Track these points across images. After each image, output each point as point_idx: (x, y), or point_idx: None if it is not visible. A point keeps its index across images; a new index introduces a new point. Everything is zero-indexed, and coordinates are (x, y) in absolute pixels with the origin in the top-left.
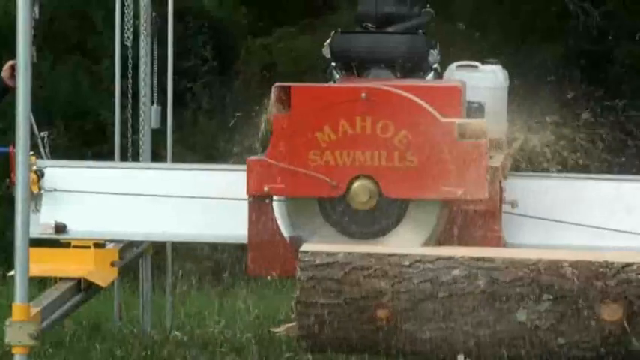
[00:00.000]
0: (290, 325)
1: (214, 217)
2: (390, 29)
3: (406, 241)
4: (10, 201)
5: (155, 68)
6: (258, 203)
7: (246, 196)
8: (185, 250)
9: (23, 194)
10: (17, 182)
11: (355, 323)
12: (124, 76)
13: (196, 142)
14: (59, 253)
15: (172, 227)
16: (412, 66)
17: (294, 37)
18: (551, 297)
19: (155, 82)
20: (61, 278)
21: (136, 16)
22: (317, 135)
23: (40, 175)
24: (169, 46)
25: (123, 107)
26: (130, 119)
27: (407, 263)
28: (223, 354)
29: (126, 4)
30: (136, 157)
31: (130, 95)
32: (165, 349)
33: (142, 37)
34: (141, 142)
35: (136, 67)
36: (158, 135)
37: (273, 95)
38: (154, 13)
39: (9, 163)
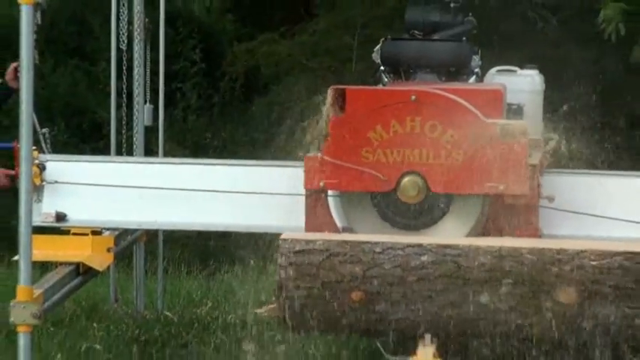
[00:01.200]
0: (271, 306)
1: (200, 207)
2: (435, 36)
3: (450, 233)
4: (14, 192)
5: (148, 70)
6: (315, 196)
7: (305, 190)
8: (175, 238)
9: (26, 186)
10: (21, 175)
11: (331, 305)
12: (119, 77)
13: (186, 138)
14: (59, 239)
15: (163, 216)
16: (456, 70)
17: (276, 42)
18: (511, 281)
19: (148, 82)
20: (61, 263)
21: (130, 22)
22: (369, 134)
23: (41, 168)
24: (161, 50)
25: (118, 106)
26: (125, 117)
27: (379, 250)
28: (210, 333)
29: (121, 11)
30: (130, 152)
31: (124, 95)
32: (157, 328)
33: (135, 42)
34: (135, 139)
35: (130, 69)
36: (150, 132)
37: (329, 97)
38: (146, 20)
39: (13, 158)
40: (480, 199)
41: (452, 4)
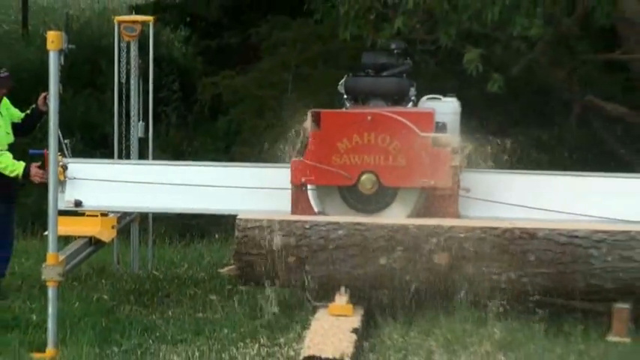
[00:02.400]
0: (230, 267)
1: (180, 196)
2: (383, 74)
3: (396, 215)
4: (45, 185)
5: (141, 97)
6: (298, 189)
7: (291, 182)
8: (160, 218)
9: (53, 181)
10: (49, 173)
11: (273, 266)
12: (120, 102)
13: (168, 146)
14: (77, 220)
15: (152, 203)
16: (398, 98)
17: (233, 77)
18: (402, 248)
19: (141, 106)
20: (78, 236)
21: (128, 63)
22: (338, 144)
23: (64, 168)
24: (150, 83)
25: (119, 124)
26: (124, 131)
27: (307, 227)
28: (186, 286)
29: (122, 55)
30: (128, 157)
31: (124, 115)
32: (148, 283)
33: (132, 77)
34: (131, 147)
35: (128, 96)
36: (143, 142)
37: (308, 117)
38: (140, 61)
39: (44, 161)
40: (417, 191)
41: (395, 51)
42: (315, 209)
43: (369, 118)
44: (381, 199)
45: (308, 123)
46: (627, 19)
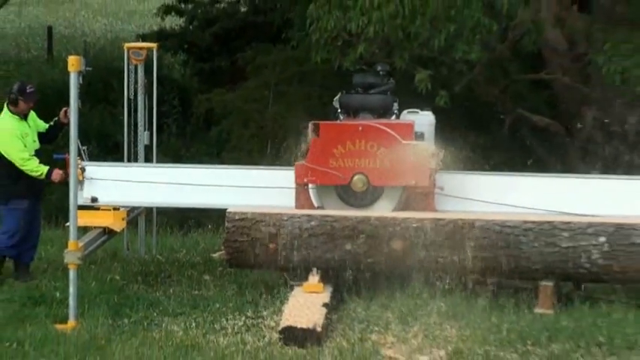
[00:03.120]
0: (221, 252)
1: (179, 193)
2: (371, 92)
3: (383, 210)
4: (66, 184)
5: (146, 111)
6: (301, 188)
7: (295, 182)
8: (163, 211)
9: (73, 180)
10: (70, 174)
11: (256, 251)
12: (129, 115)
13: (169, 151)
14: (93, 213)
15: (156, 199)
16: (384, 112)
17: (223, 94)
18: (364, 236)
19: (146, 118)
20: (94, 227)
21: (136, 82)
22: (334, 150)
23: (82, 170)
24: (154, 99)
25: (128, 133)
26: (133, 139)
27: (285, 218)
28: (184, 269)
29: (130, 75)
30: (135, 160)
31: (132, 126)
32: (152, 265)
33: (139, 94)
34: (138, 152)
35: (135, 110)
36: (148, 148)
37: (310, 128)
38: (145, 81)
39: (65, 164)
40: (400, 189)
41: (380, 72)
42: (315, 204)
43: (360, 128)
44: (371, 196)
45: (309, 132)
46: (550, 46)
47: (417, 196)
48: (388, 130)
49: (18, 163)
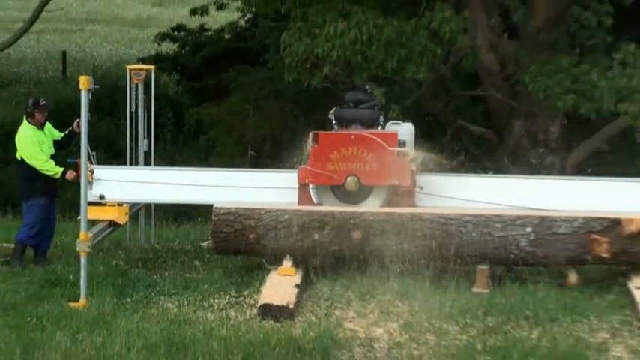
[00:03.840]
0: (208, 241)
1: (174, 191)
2: (361, 107)
3: (372, 206)
4: (77, 184)
5: (145, 122)
6: (303, 188)
7: (297, 184)
8: (159, 207)
9: (84, 181)
10: (81, 175)
11: (238, 241)
12: (131, 126)
13: (165, 157)
14: (101, 208)
15: (154, 196)
16: (371, 123)
17: (210, 108)
18: (329, 227)
19: (145, 129)
20: (101, 220)
21: (137, 98)
22: (331, 155)
23: (92, 172)
24: (152, 112)
25: (130, 141)
26: (134, 146)
27: (263, 212)
28: (178, 255)
29: (132, 94)
30: (136, 164)
31: (134, 135)
32: (151, 253)
33: (139, 108)
34: (139, 157)
35: (136, 122)
36: (147, 154)
37: (310, 137)
38: (144, 97)
39: (77, 167)
40: (386, 188)
41: (369, 91)
42: (315, 201)
43: (352, 137)
44: (361, 194)
45: (310, 141)
46: (485, 67)
47: (400, 194)
48: (376, 138)
49: (38, 165)
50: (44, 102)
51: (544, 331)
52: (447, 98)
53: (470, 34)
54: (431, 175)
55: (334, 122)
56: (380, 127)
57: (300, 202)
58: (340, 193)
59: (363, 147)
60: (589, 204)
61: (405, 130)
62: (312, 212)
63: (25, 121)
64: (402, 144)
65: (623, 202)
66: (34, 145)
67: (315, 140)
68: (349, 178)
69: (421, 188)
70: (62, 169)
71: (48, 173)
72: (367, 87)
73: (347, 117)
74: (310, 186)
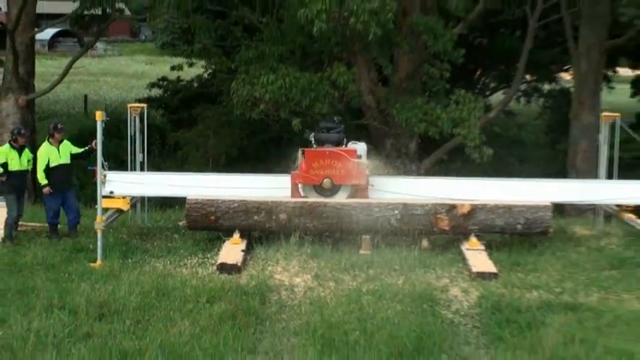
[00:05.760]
0: (184, 222)
1: (160, 189)
2: (331, 132)
3: (340, 198)
4: (95, 183)
5: (140, 142)
6: (295, 186)
7: (291, 183)
8: (151, 199)
9: (99, 181)
10: (97, 178)
11: (204, 221)
12: (131, 145)
13: (154, 166)
14: (111, 200)
15: (147, 192)
16: (338, 143)
17: (185, 133)
18: (264, 211)
19: (141, 147)
20: (111, 208)
21: (134, 126)
22: (313, 164)
23: (104, 176)
24: (145, 135)
25: (131, 154)
26: (133, 159)
27: (220, 202)
28: (163, 231)
29: (131, 122)
30: (134, 170)
31: (134, 151)
32: (145, 229)
33: (137, 133)
34: (136, 166)
35: (134, 142)
36: (142, 164)
37: (300, 152)
38: (140, 125)
39: (94, 173)
40: (350, 187)
41: (336, 121)
42: (302, 195)
43: (327, 152)
44: (334, 190)
45: (299, 155)
46: (366, 104)
47: (359, 190)
48: (342, 153)
49: (38, 172)
50: (61, 126)
51: (406, 279)
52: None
53: (356, 83)
54: (377, 177)
55: (313, 142)
56: (344, 145)
57: (292, 195)
58: (319, 189)
59: (334, 159)
60: (437, 194)
61: (361, 147)
62: (252, 201)
63: (46, 141)
64: (360, 156)
65: (458, 193)
66: (42, 159)
67: (303, 154)
68: (325, 180)
69: (372, 186)
70: (46, 181)
71: (39, 180)
72: (335, 118)
73: (322, 139)
74: (299, 185)
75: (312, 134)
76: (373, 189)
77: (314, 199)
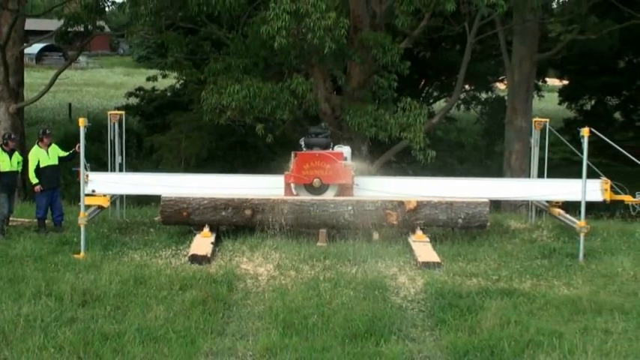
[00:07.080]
0: (159, 217)
1: (137, 188)
2: (320, 137)
3: (329, 196)
4: (78, 182)
5: (119, 146)
6: (287, 185)
7: (285, 183)
8: (129, 197)
9: (82, 181)
10: (81, 178)
11: (177, 216)
12: (111, 148)
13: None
14: (93, 197)
15: (125, 190)
16: (326, 147)
17: (159, 137)
18: (231, 207)
19: (120, 150)
20: (93, 205)
21: (114, 131)
22: (304, 166)
23: (87, 176)
24: (123, 139)
25: (111, 156)
26: (113, 161)
27: (192, 199)
28: (140, 226)
29: (111, 127)
30: (114, 171)
31: (114, 154)
32: (124, 224)
33: (116, 137)
34: (116, 167)
35: (114, 145)
36: (121, 165)
37: (292, 155)
38: (119, 130)
39: (77, 174)
40: (337, 185)
41: (324, 126)
42: (294, 193)
43: (317, 155)
44: (322, 189)
45: (292, 158)
46: (323, 111)
47: (345, 189)
48: (330, 155)
49: (29, 172)
50: (49, 131)
51: (359, 267)
52: (301, 130)
53: (314, 91)
54: (360, 177)
55: (303, 146)
56: (331, 149)
57: (285, 194)
58: (310, 188)
59: (323, 160)
60: (385, 192)
61: (346, 150)
62: (220, 198)
63: (36, 144)
64: (345, 159)
65: (405, 191)
66: (32, 161)
67: (295, 157)
68: (315, 179)
69: (357, 185)
70: (37, 181)
71: (30, 179)
72: (322, 124)
73: (312, 143)
74: (292, 184)
75: (303, 139)
76: (357, 188)
77: (308, 197)
